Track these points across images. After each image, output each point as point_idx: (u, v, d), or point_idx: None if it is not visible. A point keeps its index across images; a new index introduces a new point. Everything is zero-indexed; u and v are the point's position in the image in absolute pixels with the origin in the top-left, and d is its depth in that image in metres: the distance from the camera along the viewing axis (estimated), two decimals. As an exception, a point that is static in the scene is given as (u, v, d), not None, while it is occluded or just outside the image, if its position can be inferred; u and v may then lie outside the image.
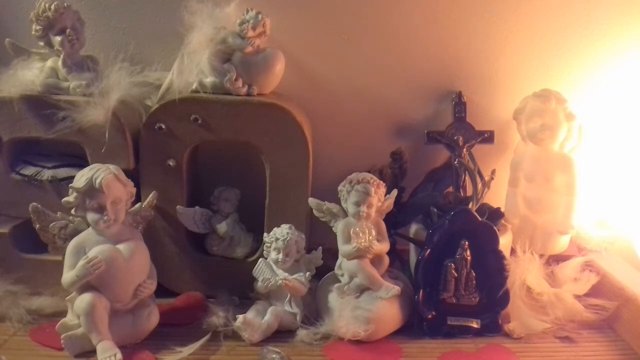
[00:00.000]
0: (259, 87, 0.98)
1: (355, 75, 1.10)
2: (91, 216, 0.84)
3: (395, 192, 0.97)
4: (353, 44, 1.09)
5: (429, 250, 0.92)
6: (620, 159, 1.12)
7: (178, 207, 0.98)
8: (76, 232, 0.88)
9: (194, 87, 0.97)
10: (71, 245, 0.85)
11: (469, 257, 0.91)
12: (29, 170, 0.99)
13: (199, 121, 0.96)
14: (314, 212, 0.96)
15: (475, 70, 1.11)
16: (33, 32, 0.95)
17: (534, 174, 1.06)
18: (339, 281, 0.94)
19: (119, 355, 0.80)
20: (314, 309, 0.94)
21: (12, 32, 1.02)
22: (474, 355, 0.87)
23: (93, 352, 0.81)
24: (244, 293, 0.97)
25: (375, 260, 0.93)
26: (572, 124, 1.05)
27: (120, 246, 0.86)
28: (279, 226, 0.94)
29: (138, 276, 0.87)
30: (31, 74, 0.96)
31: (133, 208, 0.92)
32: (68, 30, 0.94)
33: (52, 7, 0.93)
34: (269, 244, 0.94)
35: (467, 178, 1.05)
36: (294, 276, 0.91)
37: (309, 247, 0.98)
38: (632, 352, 0.88)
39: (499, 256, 0.92)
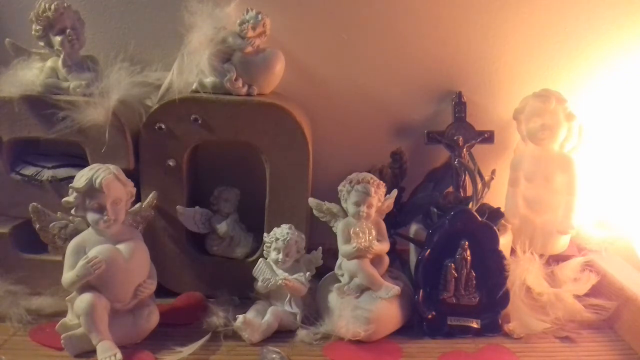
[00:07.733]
0: (259, 87, 0.98)
1: (355, 75, 1.10)
2: (91, 216, 0.84)
3: (395, 192, 0.97)
4: (353, 44, 1.09)
5: (429, 250, 0.92)
6: (620, 159, 1.12)
7: (178, 207, 0.98)
8: (76, 232, 0.88)
9: (194, 87, 0.97)
10: (71, 245, 0.85)
11: (469, 257, 0.92)
12: (29, 170, 0.99)
13: (199, 121, 0.96)
14: (314, 212, 0.96)
15: (476, 70, 1.11)
16: (33, 32, 0.95)
17: (534, 174, 1.05)
18: (339, 281, 0.94)
19: (119, 355, 0.80)
20: (314, 309, 0.94)
21: (12, 32, 1.02)
22: (474, 355, 0.87)
23: (93, 352, 0.81)
24: (244, 293, 0.97)
25: (375, 260, 0.93)
26: (572, 124, 1.05)
27: (120, 246, 0.86)
28: (279, 226, 0.94)
29: (138, 276, 0.87)
30: (31, 74, 0.96)
31: (133, 208, 0.92)
32: (68, 30, 0.94)
33: (52, 7, 0.93)
34: (269, 244, 0.94)
35: (467, 178, 1.05)
36: (294, 276, 0.91)
37: (309, 247, 0.98)
38: (632, 352, 0.88)
39: (499, 256, 0.92)
